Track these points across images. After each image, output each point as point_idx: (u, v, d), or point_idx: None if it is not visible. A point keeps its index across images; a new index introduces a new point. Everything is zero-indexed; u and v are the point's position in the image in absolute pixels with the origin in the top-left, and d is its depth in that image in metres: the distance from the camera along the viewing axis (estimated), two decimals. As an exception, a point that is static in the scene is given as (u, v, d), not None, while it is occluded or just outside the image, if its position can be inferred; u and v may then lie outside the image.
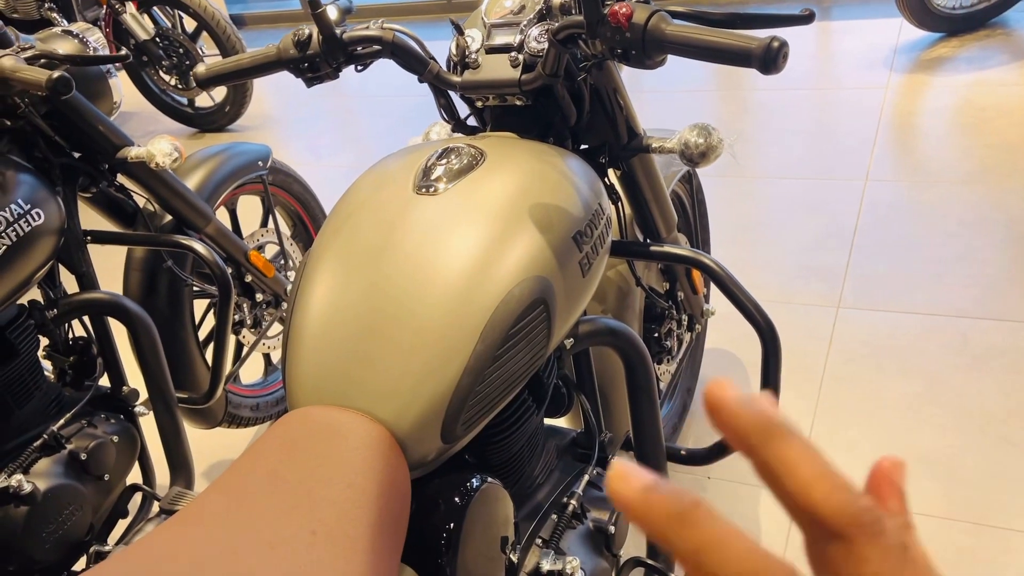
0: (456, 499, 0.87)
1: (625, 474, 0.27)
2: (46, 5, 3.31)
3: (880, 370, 1.85)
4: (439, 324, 0.82)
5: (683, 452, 1.31)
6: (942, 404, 1.74)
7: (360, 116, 3.81)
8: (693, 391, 1.84)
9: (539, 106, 1.06)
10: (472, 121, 1.15)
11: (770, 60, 0.79)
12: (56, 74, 1.14)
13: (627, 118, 1.15)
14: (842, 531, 0.26)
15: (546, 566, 0.98)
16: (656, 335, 1.51)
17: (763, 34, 0.82)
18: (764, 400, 0.28)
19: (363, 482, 0.78)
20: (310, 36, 1.03)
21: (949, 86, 2.90)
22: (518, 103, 1.04)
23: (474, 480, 0.89)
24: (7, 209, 1.27)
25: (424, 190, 0.91)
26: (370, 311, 0.84)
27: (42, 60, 1.27)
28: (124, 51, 1.47)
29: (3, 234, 1.25)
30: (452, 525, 0.86)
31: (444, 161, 0.95)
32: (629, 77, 3.53)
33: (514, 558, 0.97)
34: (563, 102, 1.04)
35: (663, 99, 3.30)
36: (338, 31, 1.03)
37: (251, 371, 2.13)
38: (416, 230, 0.88)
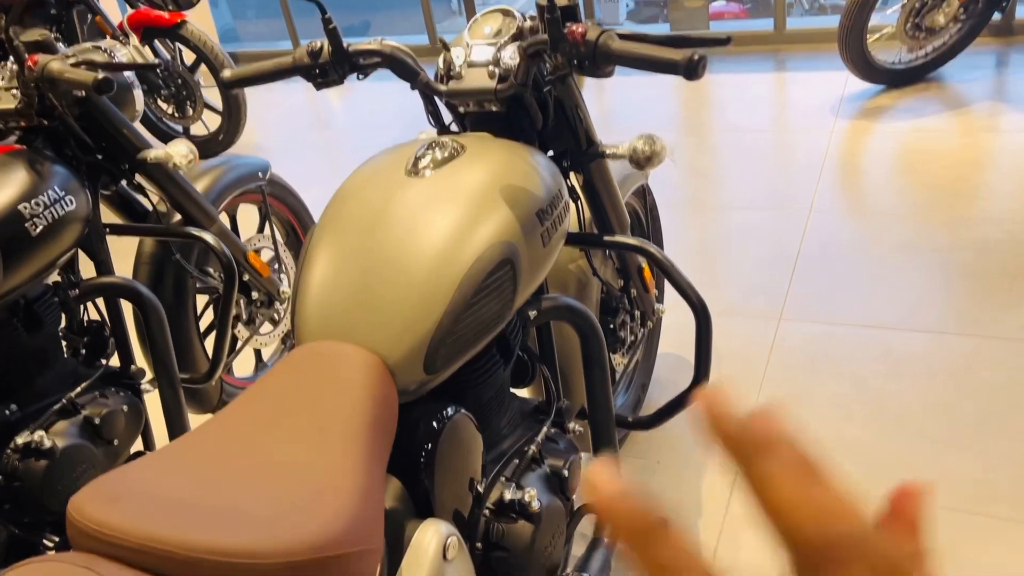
0: (434, 423, 1.06)
1: (601, 475, 0.27)
2: (52, 34, 3.51)
3: (814, 373, 2.06)
4: (424, 277, 1.02)
5: (630, 419, 1.50)
6: (866, 403, 1.95)
7: (344, 149, 4.03)
8: (647, 387, 2.04)
9: (511, 113, 1.27)
10: (455, 128, 1.35)
11: (692, 69, 1.00)
12: (101, 75, 1.34)
13: (586, 129, 1.36)
14: (821, 557, 0.25)
15: (508, 495, 1.15)
16: (611, 326, 1.71)
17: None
18: (763, 413, 0.27)
19: (361, 397, 0.96)
20: (321, 47, 1.24)
21: (888, 132, 3.18)
22: (494, 109, 1.25)
23: (449, 409, 1.07)
24: (45, 194, 1.45)
25: (413, 174, 1.11)
26: (367, 266, 1.03)
27: (83, 65, 1.46)
28: (156, 60, 1.66)
29: (41, 215, 1.43)
30: (430, 445, 1.04)
31: (430, 153, 1.15)
32: (606, 119, 3.78)
33: (481, 489, 1.14)
34: (531, 108, 1.25)
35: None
36: (345, 44, 1.24)
37: (243, 366, 2.29)
38: (406, 204, 1.07)
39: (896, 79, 3.49)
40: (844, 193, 2.84)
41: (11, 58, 1.51)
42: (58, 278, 1.65)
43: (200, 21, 5.00)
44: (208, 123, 3.89)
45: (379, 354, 1.01)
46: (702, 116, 3.66)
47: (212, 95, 3.77)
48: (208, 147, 3.93)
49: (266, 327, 2.17)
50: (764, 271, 2.49)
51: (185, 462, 0.89)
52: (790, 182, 2.95)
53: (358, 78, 1.29)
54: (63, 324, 1.68)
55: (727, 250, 2.63)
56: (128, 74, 1.72)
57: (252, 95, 4.61)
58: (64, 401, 1.54)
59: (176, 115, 3.75)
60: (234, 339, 2.09)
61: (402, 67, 1.24)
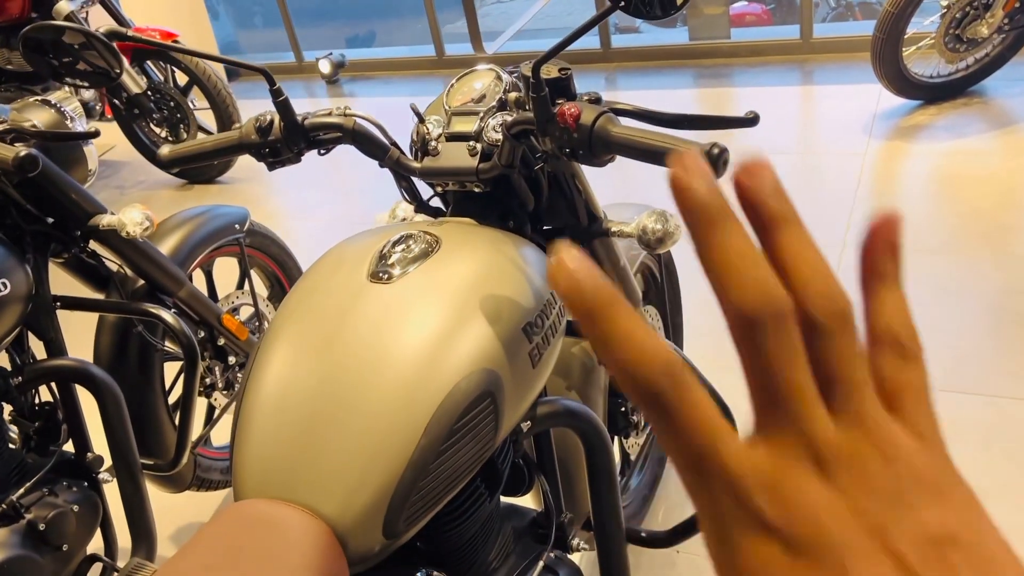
0: (398, 594, 0.86)
1: (563, 261, 0.27)
2: (40, 58, 3.35)
3: (852, 443, 1.84)
4: (385, 418, 0.82)
5: (643, 534, 1.30)
6: (913, 479, 1.73)
7: (347, 169, 3.84)
8: (665, 461, 1.83)
9: (498, 192, 1.07)
10: (436, 201, 1.16)
11: (711, 166, 0.80)
12: (23, 153, 1.16)
13: (587, 202, 1.16)
14: (747, 326, 0.27)
15: (496, 657, 0.96)
16: (623, 409, 1.51)
17: (708, 136, 0.84)
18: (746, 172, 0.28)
19: (298, 574, 0.77)
20: (272, 122, 1.05)
21: (926, 153, 2.94)
22: (476, 190, 1.06)
23: (418, 575, 0.88)
24: (-28, 280, 1.27)
25: (378, 276, 0.92)
26: (318, 401, 0.84)
27: (11, 135, 1.28)
28: (94, 128, 1.48)
29: (-33, 305, 1.25)
30: (393, 621, 0.85)
31: (400, 247, 0.95)
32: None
33: (462, 648, 0.95)
34: (520, 190, 1.05)
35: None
36: (299, 117, 1.05)
37: (222, 434, 2.11)
38: (367, 319, 0.88)
39: (934, 94, 3.24)
40: (880, 224, 2.60)
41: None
42: (4, 359, 1.48)
43: (199, 35, 4.84)
44: (204, 147, 3.72)
45: (325, 517, 0.81)
46: (719, 135, 3.43)
47: (207, 117, 3.60)
48: (205, 170, 3.76)
49: (248, 389, 1.99)
50: (793, 317, 2.26)
51: None
52: (820, 212, 2.72)
53: (319, 154, 1.10)
54: (11, 409, 1.51)
55: (752, 291, 2.41)
56: (81, 130, 1.53)
57: (248, 114, 4.45)
58: (4, 506, 1.36)
59: (170, 138, 3.59)
60: (211, 408, 1.91)
61: (368, 143, 1.05)
